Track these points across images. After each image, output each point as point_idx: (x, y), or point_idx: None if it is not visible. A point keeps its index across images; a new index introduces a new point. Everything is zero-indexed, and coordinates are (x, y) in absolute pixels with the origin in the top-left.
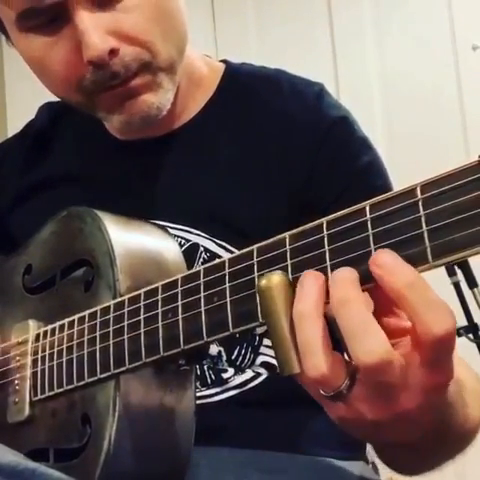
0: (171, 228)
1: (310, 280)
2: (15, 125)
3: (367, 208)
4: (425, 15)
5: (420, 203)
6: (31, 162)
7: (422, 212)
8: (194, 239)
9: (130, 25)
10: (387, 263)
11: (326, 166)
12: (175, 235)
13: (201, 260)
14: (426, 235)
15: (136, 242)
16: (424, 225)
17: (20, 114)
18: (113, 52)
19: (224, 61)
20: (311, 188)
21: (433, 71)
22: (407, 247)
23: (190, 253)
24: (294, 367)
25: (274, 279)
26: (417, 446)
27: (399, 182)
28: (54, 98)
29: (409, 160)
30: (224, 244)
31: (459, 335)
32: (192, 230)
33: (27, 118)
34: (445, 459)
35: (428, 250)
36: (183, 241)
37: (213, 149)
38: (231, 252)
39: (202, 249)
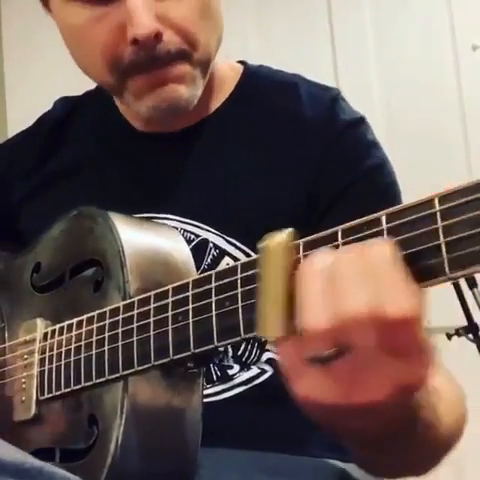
0: (181, 222)
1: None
2: (15, 125)
3: (383, 218)
4: (425, 15)
5: (438, 214)
6: (46, 155)
7: (440, 223)
8: (203, 235)
9: (178, 14)
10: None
11: (334, 167)
12: (184, 230)
13: (210, 257)
14: (443, 247)
15: (146, 243)
16: (441, 236)
17: (20, 114)
18: (158, 36)
19: (242, 62)
20: (318, 188)
21: (433, 71)
22: (424, 258)
23: (199, 249)
24: (278, 330)
25: (275, 240)
26: (378, 442)
27: (400, 183)
28: (54, 98)
29: (409, 160)
30: (233, 241)
31: (459, 335)
32: (202, 225)
33: (27, 118)
34: (418, 465)
35: (445, 262)
36: (192, 236)
37: (227, 147)
38: (240, 249)
39: (211, 245)
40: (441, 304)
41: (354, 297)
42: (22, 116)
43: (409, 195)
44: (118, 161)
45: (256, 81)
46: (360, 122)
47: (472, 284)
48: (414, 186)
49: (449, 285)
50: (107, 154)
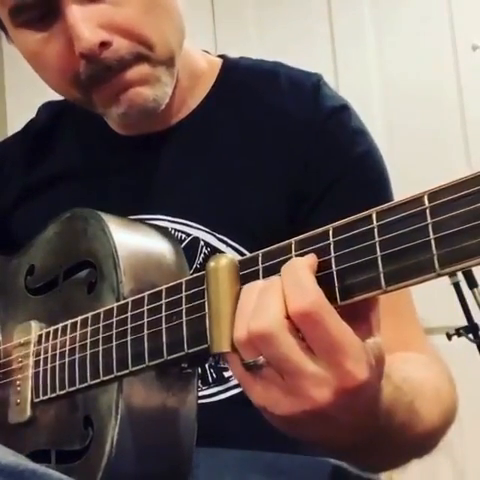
0: (172, 222)
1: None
2: (15, 125)
3: (374, 215)
4: (425, 15)
5: (427, 211)
6: (33, 161)
7: (429, 220)
8: (194, 233)
9: (122, 18)
10: None
11: (320, 158)
12: (175, 229)
13: (202, 255)
14: (433, 243)
15: (139, 244)
16: (431, 233)
17: (20, 114)
18: (104, 45)
19: (222, 56)
20: (306, 181)
21: (433, 71)
22: (414, 255)
23: (191, 248)
24: (225, 346)
25: (222, 261)
26: (358, 449)
27: (399, 181)
28: (54, 97)
29: (409, 160)
30: (224, 238)
31: (459, 335)
32: (192, 224)
33: (27, 118)
34: (401, 460)
35: (435, 258)
36: (183, 235)
37: (211, 144)
38: (231, 246)
39: (202, 244)
40: (441, 304)
41: (262, 312)
42: (22, 116)
43: (407, 194)
44: (104, 166)
45: (235, 74)
46: (342, 109)
47: (472, 284)
48: (413, 185)
49: (449, 285)
50: (93, 162)
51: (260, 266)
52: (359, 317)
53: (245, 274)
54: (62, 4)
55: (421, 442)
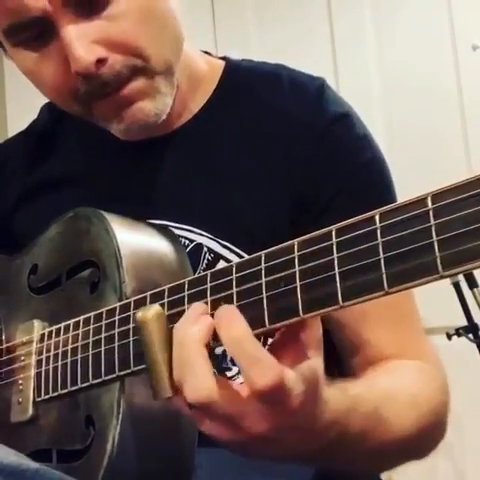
0: (174, 228)
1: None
2: (15, 125)
3: (377, 217)
4: (425, 15)
5: (431, 213)
6: (34, 162)
7: (433, 222)
8: (198, 239)
9: (117, 32)
10: (222, 316)
11: (325, 163)
12: (178, 235)
13: (205, 261)
14: (436, 245)
15: (142, 244)
16: (434, 235)
17: (20, 114)
18: (100, 61)
19: (224, 58)
20: (310, 186)
21: (433, 71)
22: (417, 257)
23: (194, 254)
24: (167, 393)
25: (149, 312)
26: (312, 459)
27: (399, 181)
28: None
29: (409, 160)
30: (228, 245)
31: (459, 335)
32: (195, 230)
33: (27, 118)
34: (379, 464)
35: (438, 260)
36: (187, 241)
37: (214, 148)
38: (235, 253)
39: (206, 250)
40: (441, 304)
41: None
42: (22, 116)
43: (407, 194)
44: (106, 170)
45: (237, 77)
46: (347, 115)
47: (472, 284)
48: (413, 185)
49: (449, 285)
50: (94, 165)
51: (263, 266)
52: (288, 342)
53: (247, 274)
54: (57, 23)
55: (395, 447)
